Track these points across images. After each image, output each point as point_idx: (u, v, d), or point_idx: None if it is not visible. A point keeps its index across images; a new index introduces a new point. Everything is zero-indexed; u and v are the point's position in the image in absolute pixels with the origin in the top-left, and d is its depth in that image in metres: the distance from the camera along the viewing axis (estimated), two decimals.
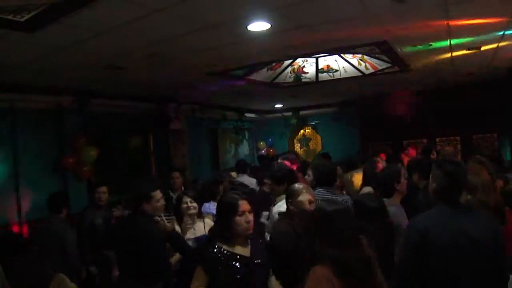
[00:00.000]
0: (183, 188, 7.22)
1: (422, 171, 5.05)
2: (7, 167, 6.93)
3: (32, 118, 7.30)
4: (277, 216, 4.38)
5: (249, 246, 3.31)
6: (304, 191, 4.09)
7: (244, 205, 3.28)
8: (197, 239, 4.67)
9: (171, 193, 7.05)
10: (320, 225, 2.82)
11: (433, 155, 8.40)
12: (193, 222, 4.83)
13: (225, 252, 3.18)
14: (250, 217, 3.28)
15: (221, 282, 3.08)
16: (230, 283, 3.09)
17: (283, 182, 4.96)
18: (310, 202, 3.97)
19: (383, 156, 8.60)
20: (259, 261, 3.26)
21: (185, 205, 4.85)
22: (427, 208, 3.49)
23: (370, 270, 2.69)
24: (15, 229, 6.73)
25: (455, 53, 7.18)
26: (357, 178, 6.51)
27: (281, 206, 4.57)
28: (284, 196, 4.44)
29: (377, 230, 3.62)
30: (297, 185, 4.23)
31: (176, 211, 5.02)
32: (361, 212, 3.82)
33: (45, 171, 7.42)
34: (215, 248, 3.20)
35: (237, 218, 3.22)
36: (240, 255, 3.20)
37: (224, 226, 3.27)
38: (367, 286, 2.65)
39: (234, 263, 3.15)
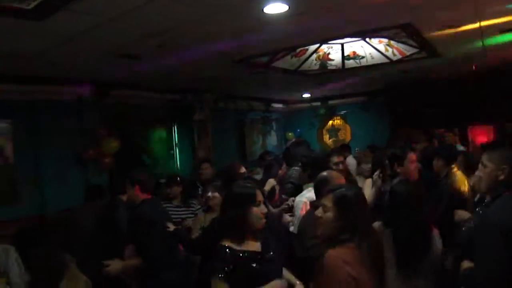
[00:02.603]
0: None
1: (447, 158, 4.79)
2: (29, 158, 6.93)
3: (52, 110, 7.29)
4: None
5: (259, 240, 3.08)
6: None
7: (260, 195, 3.10)
8: None
9: (198, 184, 6.94)
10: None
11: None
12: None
13: (238, 252, 2.92)
14: (265, 208, 3.12)
15: (240, 285, 2.84)
16: (250, 284, 2.85)
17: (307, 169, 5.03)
18: None
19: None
20: (271, 254, 3.04)
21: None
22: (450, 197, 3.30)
23: None
24: (37, 220, 6.75)
25: (486, 36, 6.80)
26: None
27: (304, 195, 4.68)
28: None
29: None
30: (325, 173, 4.14)
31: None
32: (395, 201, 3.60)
33: (67, 163, 7.42)
34: (226, 249, 2.91)
35: (255, 209, 3.00)
36: (253, 252, 2.98)
37: (238, 220, 2.98)
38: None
39: (249, 262, 2.91)
